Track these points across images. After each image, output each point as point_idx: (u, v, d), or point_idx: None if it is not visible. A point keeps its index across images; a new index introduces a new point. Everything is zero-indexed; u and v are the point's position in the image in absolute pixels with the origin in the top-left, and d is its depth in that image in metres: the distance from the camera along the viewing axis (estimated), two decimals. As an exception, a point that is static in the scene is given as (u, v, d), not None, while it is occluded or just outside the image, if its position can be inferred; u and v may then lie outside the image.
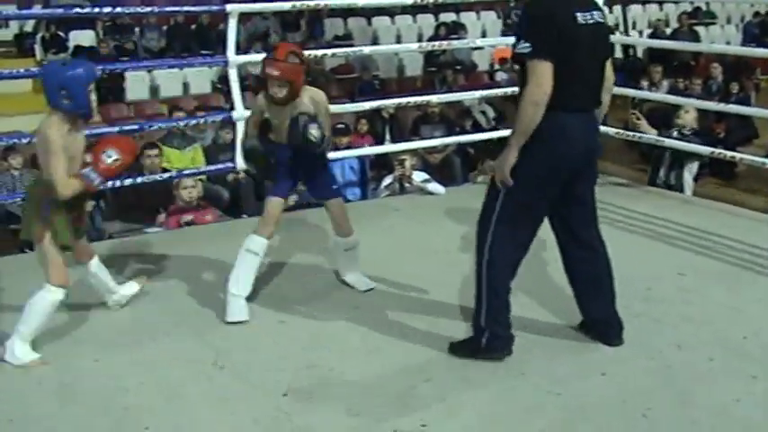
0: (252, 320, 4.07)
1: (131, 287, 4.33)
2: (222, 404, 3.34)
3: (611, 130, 6.71)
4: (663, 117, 7.29)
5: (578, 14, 3.36)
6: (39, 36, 11.74)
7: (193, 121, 6.48)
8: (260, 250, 4.16)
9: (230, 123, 6.95)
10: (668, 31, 14.64)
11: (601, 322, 3.80)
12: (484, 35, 14.20)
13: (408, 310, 4.17)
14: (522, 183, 3.40)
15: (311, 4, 6.24)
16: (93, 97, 3.64)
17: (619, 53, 12.85)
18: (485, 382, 3.46)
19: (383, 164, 7.88)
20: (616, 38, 9.94)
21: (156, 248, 5.17)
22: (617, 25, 13.58)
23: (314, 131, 4.00)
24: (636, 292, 4.29)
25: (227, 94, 10.86)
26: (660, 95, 8.79)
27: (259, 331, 3.99)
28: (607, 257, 3.74)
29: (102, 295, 4.23)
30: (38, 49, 11.68)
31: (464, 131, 9.23)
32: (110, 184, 5.36)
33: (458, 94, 8.47)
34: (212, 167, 6.45)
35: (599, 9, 3.48)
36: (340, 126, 7.75)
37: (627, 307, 3.93)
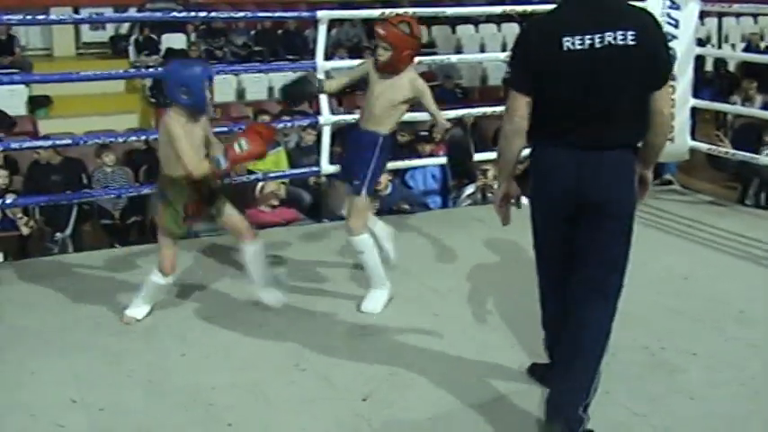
0: (333, 325, 4.11)
1: (276, 297, 4.28)
2: (304, 406, 3.38)
3: (703, 146, 6.56)
4: (755, 134, 7.09)
5: (566, 39, 2.84)
6: (133, 38, 12.06)
7: (280, 125, 6.57)
8: (366, 247, 4.24)
9: (314, 128, 7.05)
10: (763, 45, 14.24)
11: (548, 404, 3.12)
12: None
13: (486, 321, 4.16)
14: (532, 225, 3.20)
15: (400, 11, 6.25)
16: (209, 94, 3.90)
17: (709, 67, 12.57)
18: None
19: (465, 173, 7.84)
20: (707, 50, 9.73)
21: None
22: (708, 38, 13.27)
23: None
24: (728, 314, 4.20)
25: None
26: (754, 111, 8.54)
27: (340, 336, 4.02)
28: (592, 340, 3.03)
29: (254, 282, 4.25)
30: (131, 50, 12.00)
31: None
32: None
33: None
34: (297, 171, 6.53)
35: (625, 28, 2.83)
36: (423, 134, 7.78)
37: (720, 329, 3.85)
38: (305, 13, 6.37)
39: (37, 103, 10.78)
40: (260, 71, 11.34)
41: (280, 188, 6.33)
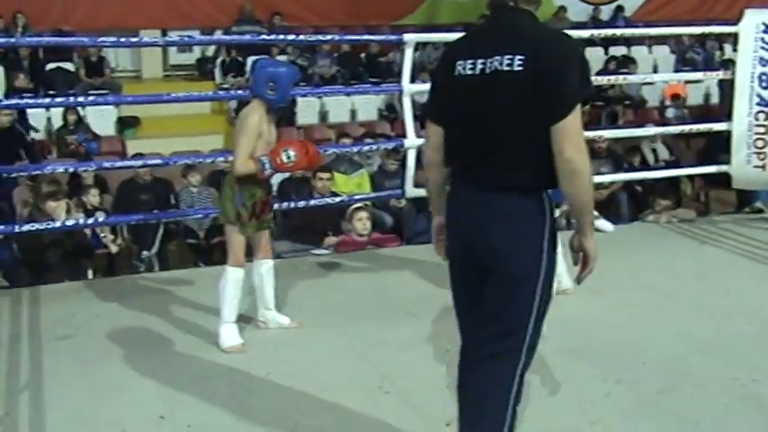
0: (415, 347, 4.09)
1: (284, 320, 4.41)
2: (387, 429, 3.36)
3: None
4: None
5: (459, 63, 2.58)
6: (219, 60, 12.31)
7: (366, 148, 6.61)
8: None
9: (398, 151, 7.07)
10: None
11: None
12: (655, 70, 13.81)
13: (569, 351, 4.06)
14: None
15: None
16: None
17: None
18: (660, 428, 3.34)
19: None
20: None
21: (325, 270, 5.29)
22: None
23: None
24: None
25: (394, 121, 11.19)
26: None
27: (423, 358, 3.99)
28: (500, 390, 2.63)
29: (258, 303, 4.40)
30: (217, 72, 12.24)
31: (632, 168, 8.98)
32: (284, 205, 5.55)
33: (628, 130, 8.27)
34: (382, 193, 6.55)
35: (514, 53, 2.45)
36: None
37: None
38: (392, 37, 6.42)
39: (125, 124, 11.06)
40: (346, 94, 11.51)
41: (370, 216, 6.24)
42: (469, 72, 2.56)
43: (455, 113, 2.63)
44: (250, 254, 4.27)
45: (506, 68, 2.47)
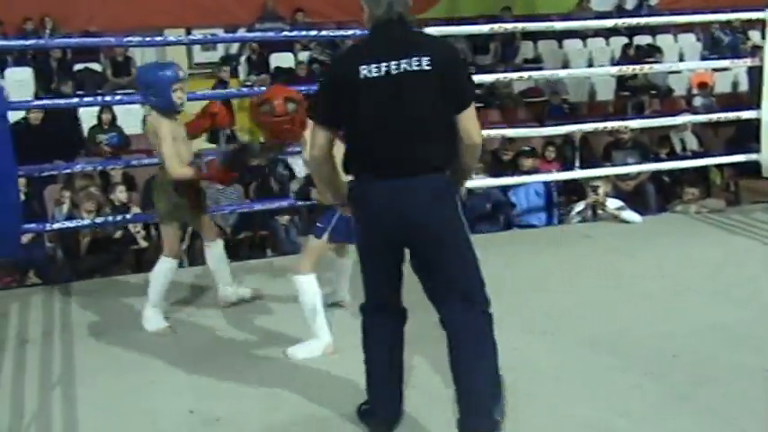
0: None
1: (245, 291, 4.69)
2: (415, 423, 3.36)
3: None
4: None
5: (363, 68, 2.90)
6: (243, 58, 12.36)
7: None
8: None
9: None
10: None
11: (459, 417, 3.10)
12: (681, 59, 13.69)
13: (599, 342, 4.05)
14: (357, 249, 3.22)
15: (509, 27, 6.25)
16: (180, 95, 4.24)
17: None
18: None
19: (572, 189, 7.74)
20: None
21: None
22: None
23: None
24: None
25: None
26: None
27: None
28: (468, 347, 3.05)
29: (216, 282, 4.66)
30: (242, 70, 12.30)
31: (659, 159, 8.92)
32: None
33: (655, 119, 8.21)
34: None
35: (420, 55, 2.88)
36: (525, 148, 7.71)
37: None
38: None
39: (152, 122, 11.16)
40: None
41: None
42: (375, 74, 2.91)
43: (366, 112, 2.95)
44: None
45: (416, 68, 2.89)
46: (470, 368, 3.06)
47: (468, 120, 2.96)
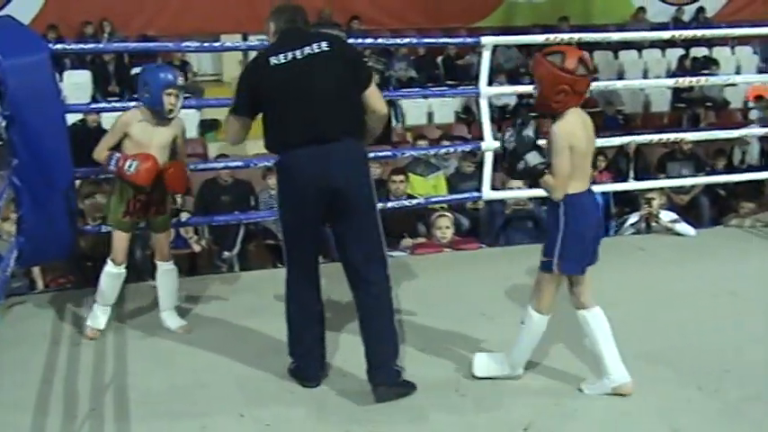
0: (490, 349, 4.06)
1: (174, 324, 4.49)
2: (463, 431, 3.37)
3: None
4: None
5: (272, 58, 3.49)
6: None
7: (443, 150, 6.62)
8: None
9: (475, 154, 7.06)
10: None
11: (368, 367, 3.65)
12: (738, 71, 13.48)
13: (646, 353, 4.00)
14: (282, 226, 3.73)
15: (564, 37, 6.21)
16: (171, 100, 4.22)
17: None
18: None
19: (626, 201, 7.65)
20: None
21: (400, 272, 5.31)
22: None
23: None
24: None
25: (471, 124, 11.17)
26: None
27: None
28: (382, 298, 3.61)
29: (160, 305, 4.53)
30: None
31: (714, 171, 8.79)
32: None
33: (711, 132, 8.08)
34: (458, 196, 6.55)
35: (326, 39, 3.52)
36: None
37: None
38: (469, 39, 6.42)
39: (207, 127, 11.28)
40: (423, 96, 11.63)
41: (447, 231, 6.16)
42: (283, 61, 3.47)
43: (280, 95, 3.46)
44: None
45: (317, 50, 3.49)
46: (383, 327, 3.61)
47: (373, 97, 3.58)
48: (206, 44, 6.38)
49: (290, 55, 3.48)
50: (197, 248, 6.85)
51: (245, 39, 11.77)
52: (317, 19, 12.64)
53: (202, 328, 4.50)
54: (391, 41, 7.24)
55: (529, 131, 3.43)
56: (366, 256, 3.59)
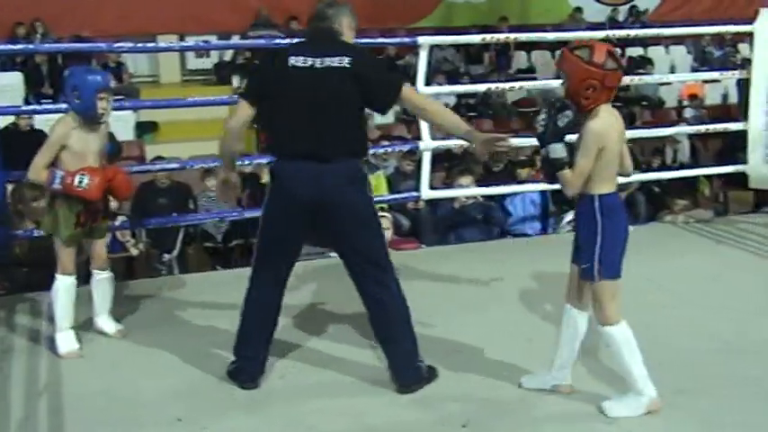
0: (430, 348, 4.07)
1: (111, 328, 4.39)
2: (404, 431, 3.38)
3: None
4: None
5: (292, 58, 3.43)
6: (236, 65, 12.37)
7: (381, 150, 6.63)
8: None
9: (414, 153, 7.08)
10: None
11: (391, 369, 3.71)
12: (672, 70, 13.77)
13: (588, 351, 4.06)
14: (261, 224, 3.62)
15: (501, 37, 6.29)
16: (103, 104, 4.05)
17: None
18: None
19: (565, 199, 7.74)
20: None
21: (336, 272, 5.30)
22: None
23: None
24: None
25: (410, 123, 11.20)
26: None
27: (438, 359, 3.96)
28: (395, 308, 3.63)
29: (94, 311, 4.39)
30: (235, 77, 12.31)
31: (650, 169, 8.95)
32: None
33: (644, 130, 8.24)
34: (397, 196, 6.57)
35: (351, 54, 3.41)
36: (523, 158, 7.74)
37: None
38: (407, 39, 6.44)
39: (144, 129, 11.14)
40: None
41: (390, 227, 6.16)
42: (301, 65, 3.41)
43: (288, 98, 3.41)
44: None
45: (337, 64, 3.39)
46: (398, 331, 3.62)
47: (411, 100, 3.59)
48: (140, 45, 6.29)
49: (309, 60, 3.41)
50: (134, 252, 6.76)
51: (181, 39, 11.66)
52: (254, 19, 12.65)
53: (140, 331, 4.43)
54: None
55: (562, 121, 3.29)
56: (368, 275, 3.59)
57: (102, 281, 4.36)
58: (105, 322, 4.40)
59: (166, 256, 6.87)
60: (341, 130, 3.43)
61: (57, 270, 4.18)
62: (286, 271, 3.69)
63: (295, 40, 3.69)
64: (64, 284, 4.17)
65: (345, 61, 3.39)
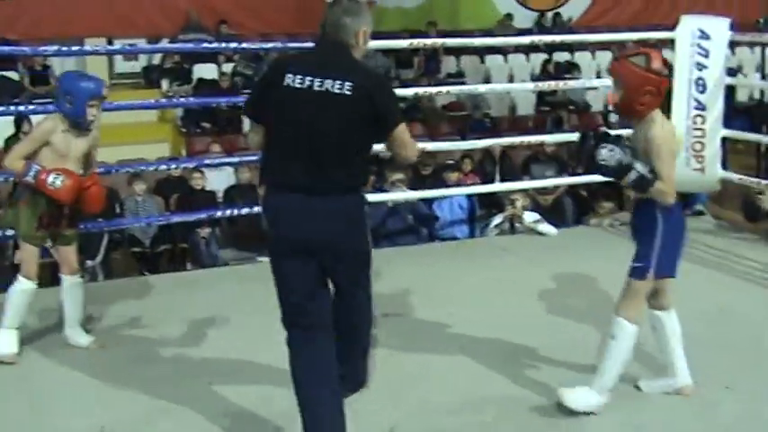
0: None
1: (84, 340, 4.31)
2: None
3: (734, 177, 6.50)
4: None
5: (288, 75, 2.96)
6: (165, 69, 12.23)
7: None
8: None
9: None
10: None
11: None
12: (598, 75, 14.04)
13: (511, 351, 4.13)
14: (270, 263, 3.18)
15: (428, 42, 6.34)
16: (93, 112, 4.04)
17: (744, 97, 12.58)
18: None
19: (493, 203, 7.85)
20: (738, 80, 9.67)
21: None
22: (740, 68, 13.17)
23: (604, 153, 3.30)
24: (765, 347, 4.13)
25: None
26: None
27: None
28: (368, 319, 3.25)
29: (64, 319, 4.31)
30: (164, 81, 12.16)
31: (576, 173, 9.12)
32: (228, 212, 5.53)
33: (572, 134, 8.38)
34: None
35: (355, 78, 2.92)
36: (450, 162, 7.83)
37: (757, 363, 3.78)
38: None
39: (71, 133, 10.94)
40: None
41: None
42: (298, 85, 2.94)
43: (284, 125, 2.98)
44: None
45: (338, 90, 2.92)
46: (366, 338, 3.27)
47: (397, 143, 3.07)
48: (66, 48, 6.18)
49: (307, 81, 2.94)
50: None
51: (109, 43, 11.49)
52: (184, 23, 12.51)
53: (62, 339, 4.33)
54: (257, 46, 7.18)
55: (622, 143, 3.31)
56: (356, 296, 3.18)
57: (72, 286, 4.26)
58: (77, 333, 4.30)
59: (89, 263, 6.75)
60: (336, 165, 2.96)
61: (20, 272, 4.16)
62: (317, 318, 3.13)
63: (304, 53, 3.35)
64: (22, 287, 4.12)
65: (347, 87, 2.92)
